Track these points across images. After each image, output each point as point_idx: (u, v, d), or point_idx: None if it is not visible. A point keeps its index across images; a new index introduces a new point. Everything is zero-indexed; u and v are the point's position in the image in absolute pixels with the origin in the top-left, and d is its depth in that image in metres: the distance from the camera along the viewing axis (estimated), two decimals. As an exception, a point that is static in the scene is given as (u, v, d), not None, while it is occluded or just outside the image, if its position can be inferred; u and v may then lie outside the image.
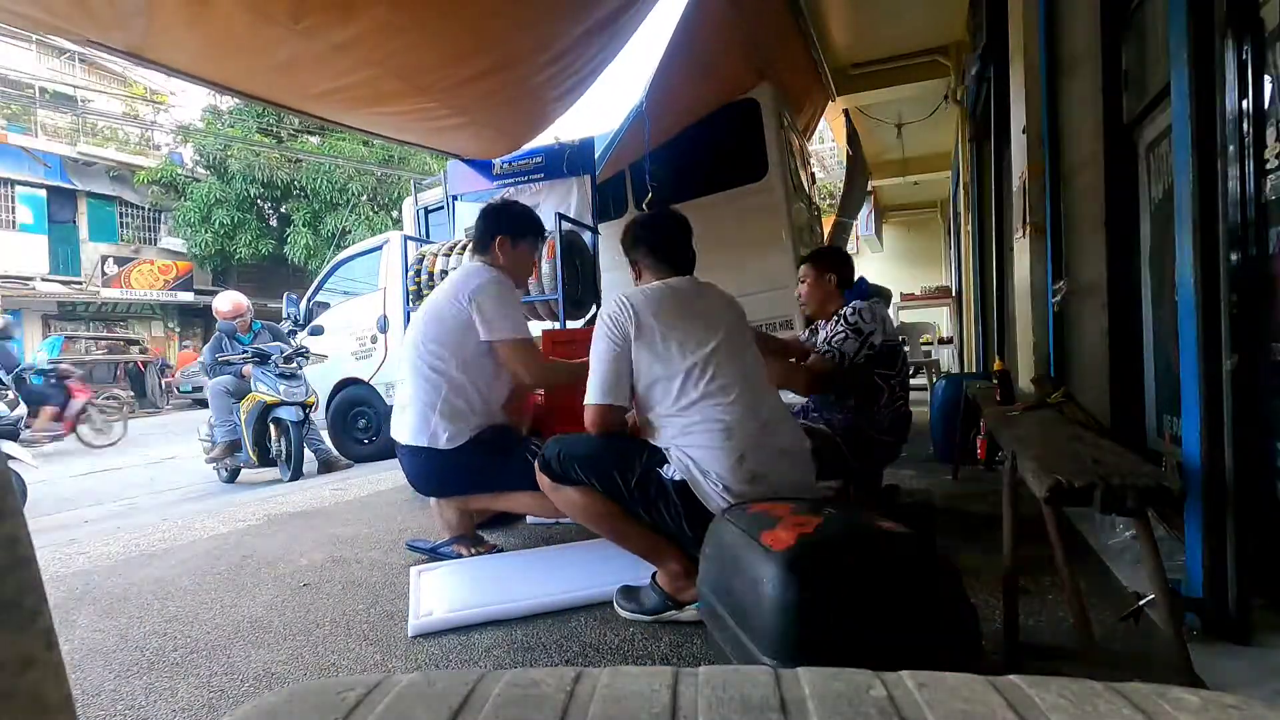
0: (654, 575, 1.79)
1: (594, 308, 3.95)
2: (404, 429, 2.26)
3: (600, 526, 1.82)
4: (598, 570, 2.08)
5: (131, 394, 13.45)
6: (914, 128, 8.01)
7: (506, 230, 2.40)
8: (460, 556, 2.33)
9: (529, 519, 2.81)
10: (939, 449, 3.70)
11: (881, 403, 2.53)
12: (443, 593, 1.95)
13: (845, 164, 7.51)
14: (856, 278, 2.76)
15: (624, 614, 1.78)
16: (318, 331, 5.69)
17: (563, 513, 2.01)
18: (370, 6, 2.53)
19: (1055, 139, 2.89)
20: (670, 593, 1.73)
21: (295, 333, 5.55)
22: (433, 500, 2.46)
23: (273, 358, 4.84)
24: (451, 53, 3.01)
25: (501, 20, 2.89)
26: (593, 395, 1.77)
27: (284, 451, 4.65)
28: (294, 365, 4.94)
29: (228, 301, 5.25)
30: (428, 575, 2.12)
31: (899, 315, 8.57)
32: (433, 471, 2.28)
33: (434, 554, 2.38)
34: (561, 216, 3.68)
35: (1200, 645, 1.34)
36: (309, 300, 6.08)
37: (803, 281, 2.74)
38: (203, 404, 13.63)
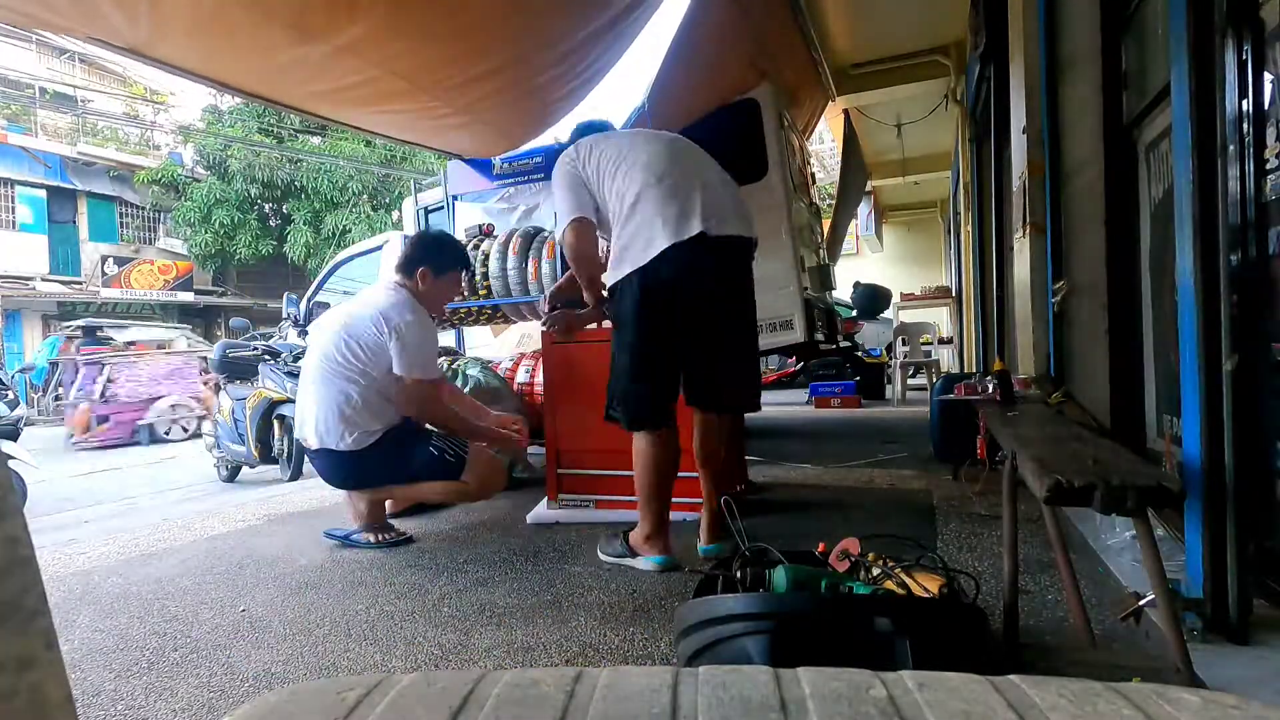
0: (626, 531, 2.20)
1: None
2: (310, 434, 2.49)
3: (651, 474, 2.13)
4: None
5: (131, 394, 13.43)
6: (914, 128, 8.01)
7: (431, 262, 2.59)
8: (370, 544, 2.54)
9: (529, 519, 2.81)
10: (938, 449, 3.70)
11: None
12: None
13: (840, 164, 7.51)
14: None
15: (601, 557, 2.22)
16: None
17: (489, 495, 2.67)
18: (373, 7, 2.53)
19: (1055, 139, 2.89)
20: (632, 546, 2.17)
21: (305, 332, 5.54)
22: (344, 491, 2.66)
23: (282, 355, 4.85)
24: (455, 53, 3.01)
25: (506, 22, 2.89)
26: None
27: (286, 450, 4.66)
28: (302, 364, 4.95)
29: None
30: None
31: (899, 315, 8.57)
32: (343, 470, 2.52)
33: (346, 541, 2.58)
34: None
35: (1200, 645, 1.34)
36: (309, 300, 6.08)
37: None
38: (203, 404, 13.64)
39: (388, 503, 2.74)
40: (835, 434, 5.28)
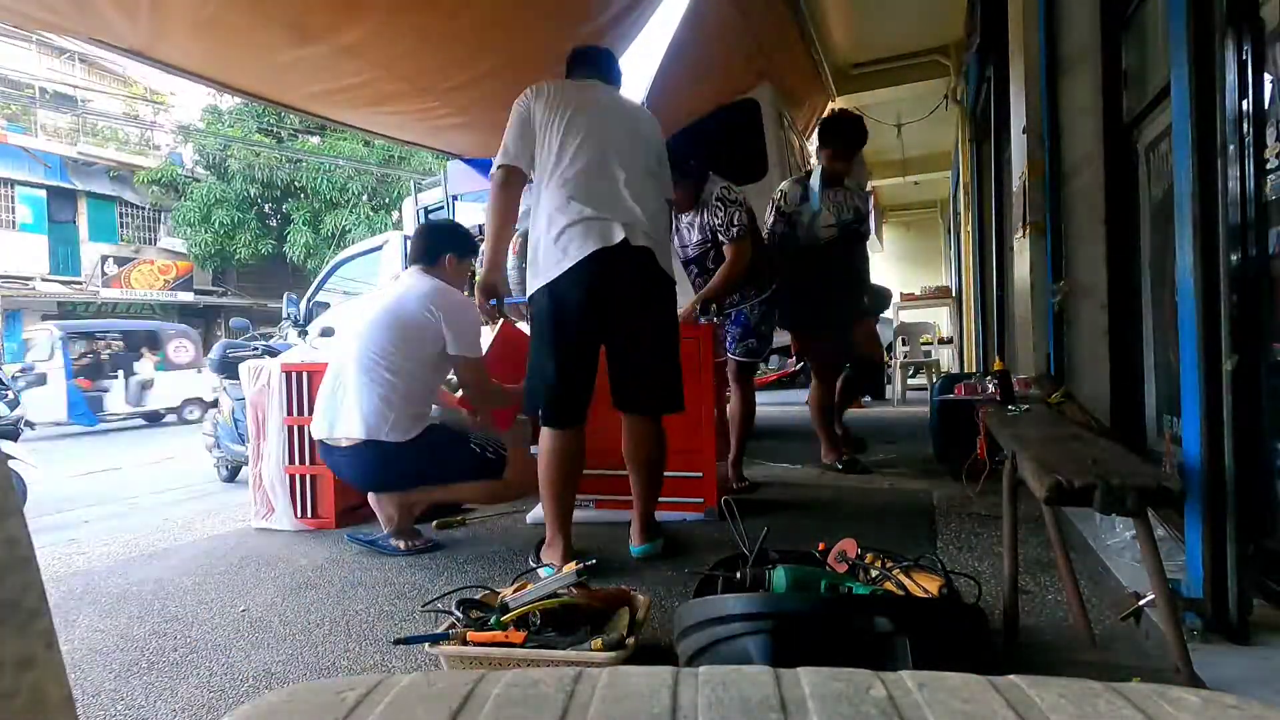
0: (539, 545, 2.23)
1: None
2: (356, 427, 2.40)
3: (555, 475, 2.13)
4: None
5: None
6: (914, 128, 8.01)
7: (456, 249, 2.66)
8: (400, 551, 2.45)
9: (529, 519, 2.81)
10: (938, 449, 3.70)
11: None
12: None
13: None
14: None
15: (530, 562, 2.20)
16: (329, 333, 5.67)
17: (526, 495, 2.48)
18: (374, 10, 2.54)
19: (1055, 139, 2.89)
20: (542, 558, 2.16)
21: (304, 332, 5.53)
22: (371, 494, 2.57)
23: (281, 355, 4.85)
24: (455, 55, 3.02)
25: (505, 24, 2.89)
26: None
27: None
28: None
29: None
30: None
31: (899, 315, 8.57)
32: (384, 465, 2.44)
33: (374, 546, 2.50)
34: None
35: (1200, 645, 1.34)
36: (309, 300, 6.09)
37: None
38: (202, 404, 13.62)
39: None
40: (835, 434, 5.26)
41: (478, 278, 2.23)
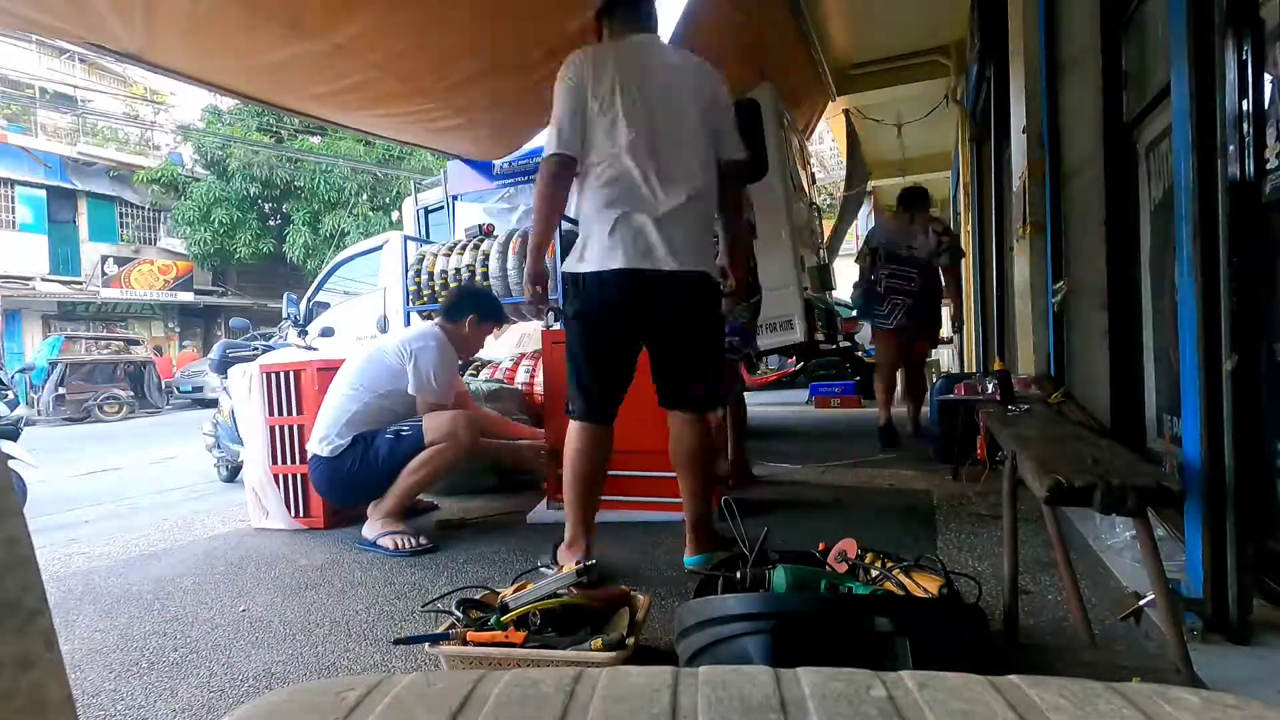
0: (557, 545, 2.14)
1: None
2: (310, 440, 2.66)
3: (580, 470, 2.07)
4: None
5: (131, 394, 13.45)
6: (914, 128, 8.01)
7: (480, 312, 2.84)
8: (394, 552, 2.46)
9: (528, 519, 2.81)
10: (938, 449, 3.70)
11: None
12: None
13: (845, 157, 7.52)
14: None
15: (541, 569, 2.02)
16: (329, 333, 5.66)
17: (466, 442, 2.53)
18: (369, 6, 2.54)
19: (1055, 139, 2.89)
20: (559, 559, 2.08)
21: (304, 332, 5.52)
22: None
23: None
24: (450, 53, 3.01)
25: (499, 19, 2.89)
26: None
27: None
28: None
29: None
30: None
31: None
32: (327, 480, 2.64)
33: (374, 548, 2.53)
34: (562, 217, 3.68)
35: (1200, 645, 1.34)
36: (309, 300, 6.08)
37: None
38: (202, 404, 13.64)
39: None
40: (835, 434, 5.28)
41: (525, 268, 2.14)
